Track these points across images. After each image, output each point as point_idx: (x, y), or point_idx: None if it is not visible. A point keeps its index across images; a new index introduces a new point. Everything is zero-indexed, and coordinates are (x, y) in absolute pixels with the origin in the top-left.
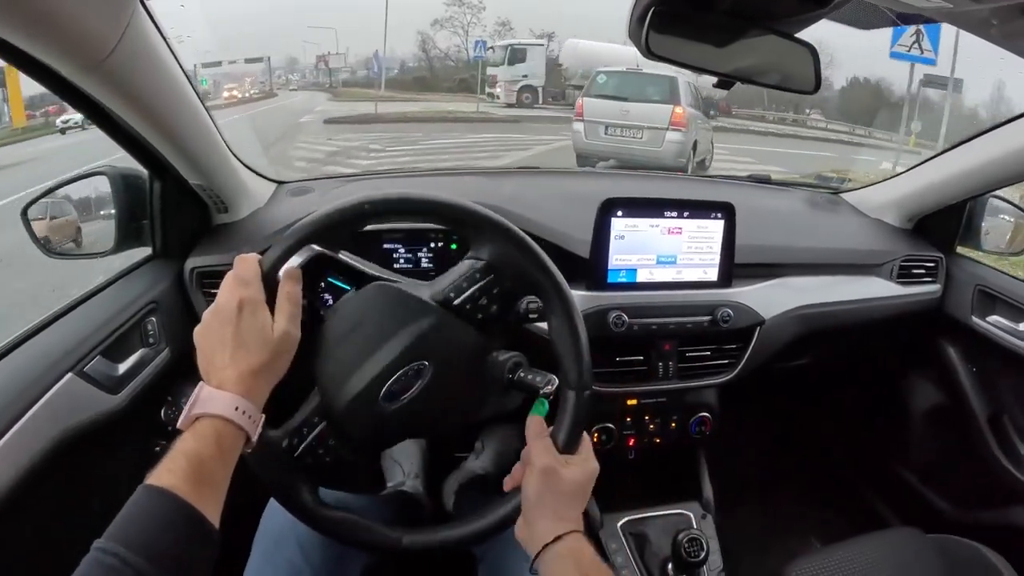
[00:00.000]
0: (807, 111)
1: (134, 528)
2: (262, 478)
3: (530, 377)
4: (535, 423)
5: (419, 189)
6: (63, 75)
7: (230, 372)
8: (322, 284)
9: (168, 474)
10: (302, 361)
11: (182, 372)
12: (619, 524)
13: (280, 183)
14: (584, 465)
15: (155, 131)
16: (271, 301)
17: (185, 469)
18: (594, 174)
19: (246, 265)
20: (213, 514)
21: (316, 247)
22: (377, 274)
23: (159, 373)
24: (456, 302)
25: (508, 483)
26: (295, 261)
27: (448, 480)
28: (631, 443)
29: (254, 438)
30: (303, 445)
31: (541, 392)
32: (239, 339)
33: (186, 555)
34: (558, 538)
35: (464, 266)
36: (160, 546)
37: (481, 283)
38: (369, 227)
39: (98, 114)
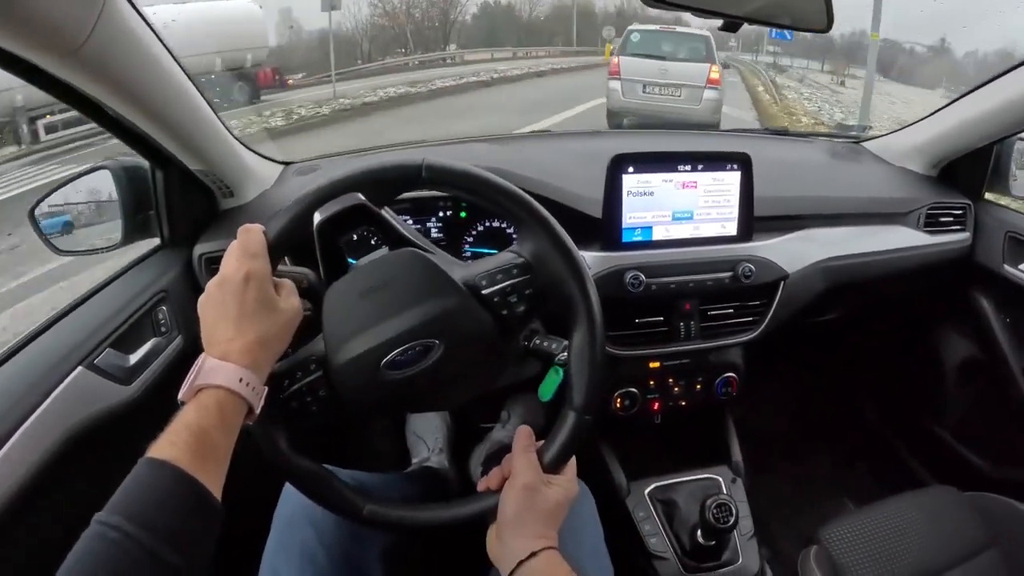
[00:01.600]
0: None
1: (136, 501)
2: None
3: (546, 344)
4: (523, 434)
5: (441, 159)
6: (41, 67)
7: (235, 344)
8: (354, 236)
9: (170, 446)
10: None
11: (195, 360)
12: (646, 491)
13: (287, 164)
14: (567, 487)
15: (146, 119)
16: (274, 268)
17: (188, 441)
18: (606, 134)
19: (251, 236)
20: (215, 487)
21: (361, 196)
22: (413, 239)
23: (172, 361)
24: (485, 292)
25: (482, 484)
26: (333, 208)
27: (475, 452)
28: (655, 407)
29: (257, 410)
30: (293, 387)
31: (556, 360)
32: (244, 311)
33: (189, 528)
34: (533, 554)
35: (504, 257)
36: (163, 519)
37: (515, 280)
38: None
39: (88, 106)
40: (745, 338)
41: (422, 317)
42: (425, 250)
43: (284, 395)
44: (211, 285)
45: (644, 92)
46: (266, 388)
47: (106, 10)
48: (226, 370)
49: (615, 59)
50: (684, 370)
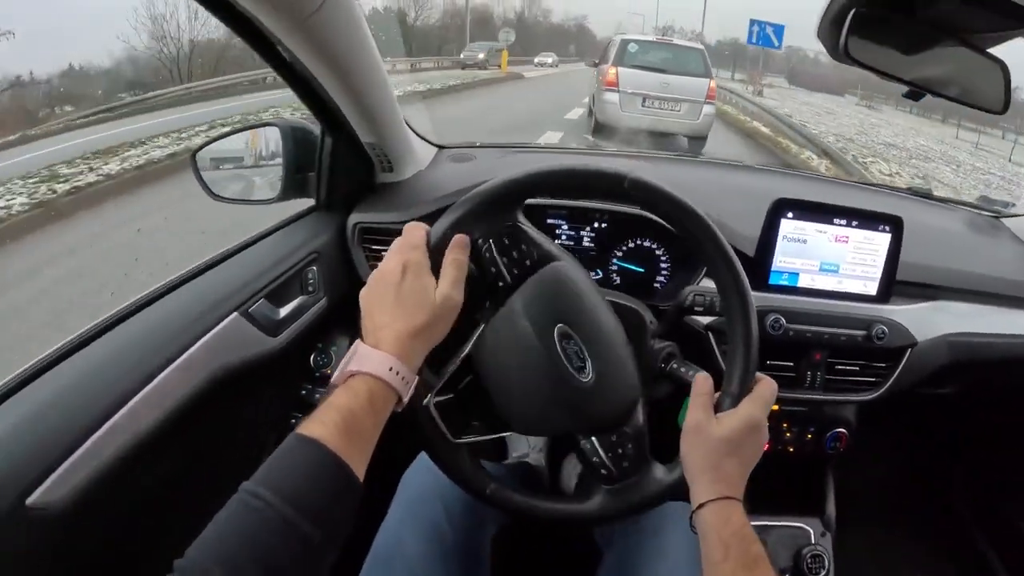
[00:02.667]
0: None
1: (282, 475)
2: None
3: (683, 370)
4: (699, 381)
5: (646, 175)
6: (265, 30)
7: (387, 332)
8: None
9: (319, 425)
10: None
11: (335, 322)
12: None
13: (441, 147)
14: (732, 418)
15: (342, 88)
16: (437, 269)
17: (336, 422)
18: (756, 170)
19: (414, 232)
20: (359, 468)
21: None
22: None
23: (314, 321)
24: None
25: None
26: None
27: (567, 460)
28: (764, 448)
29: (405, 399)
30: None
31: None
32: (399, 300)
33: (331, 505)
34: (710, 501)
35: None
36: (306, 494)
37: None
38: (539, 202)
39: (287, 70)
40: (864, 397)
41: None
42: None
43: (485, 254)
44: (372, 277)
45: (644, 106)
46: (417, 378)
47: None
48: (377, 358)
49: (611, 70)
50: (799, 418)
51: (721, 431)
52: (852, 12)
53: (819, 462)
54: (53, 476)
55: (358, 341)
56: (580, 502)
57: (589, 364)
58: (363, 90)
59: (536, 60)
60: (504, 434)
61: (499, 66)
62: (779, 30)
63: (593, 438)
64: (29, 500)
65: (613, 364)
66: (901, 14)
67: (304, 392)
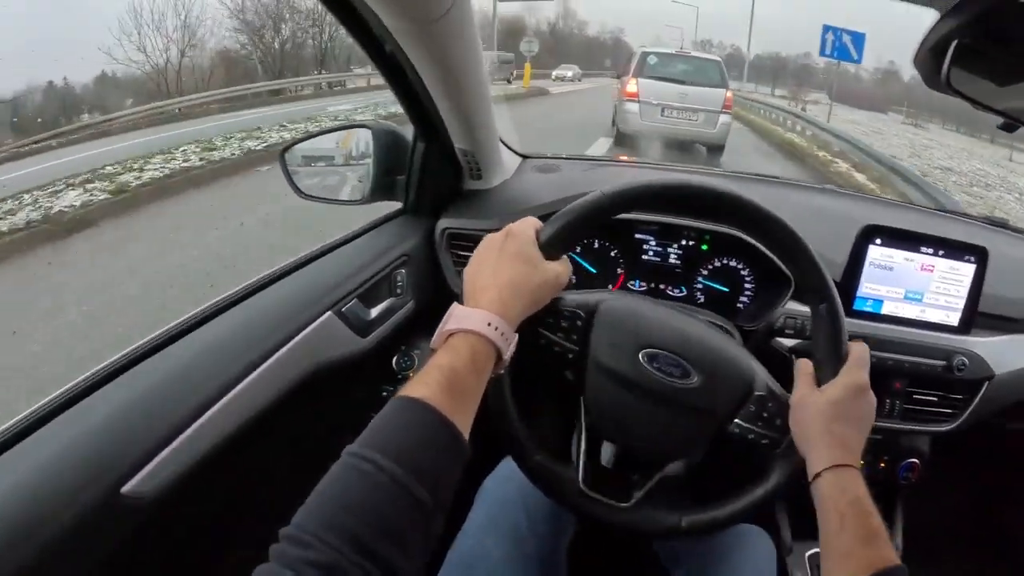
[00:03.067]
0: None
1: (389, 436)
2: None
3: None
4: (802, 363)
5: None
6: (377, 31)
7: (487, 292)
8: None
9: (423, 386)
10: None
11: (420, 325)
12: (807, 554)
13: (525, 157)
14: (835, 386)
15: (447, 95)
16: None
17: (440, 381)
18: (839, 194)
19: (527, 220)
20: (464, 428)
21: None
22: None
23: (401, 323)
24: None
25: None
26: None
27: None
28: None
29: (506, 356)
30: (549, 336)
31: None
32: (500, 260)
33: (438, 465)
34: (825, 470)
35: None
36: (414, 454)
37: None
38: (631, 216)
39: (390, 71)
40: (940, 428)
41: (705, 348)
42: None
43: (540, 342)
44: (477, 249)
45: (663, 115)
46: (516, 335)
47: None
48: (475, 315)
49: (632, 81)
50: (874, 446)
51: (827, 397)
52: (955, 43)
53: (890, 493)
54: (148, 466)
55: (455, 303)
56: (759, 484)
57: (689, 367)
58: (467, 99)
59: (554, 74)
60: (661, 474)
61: (513, 79)
62: (859, 39)
63: (736, 420)
64: (124, 488)
65: (713, 351)
66: (1001, 45)
67: (385, 394)
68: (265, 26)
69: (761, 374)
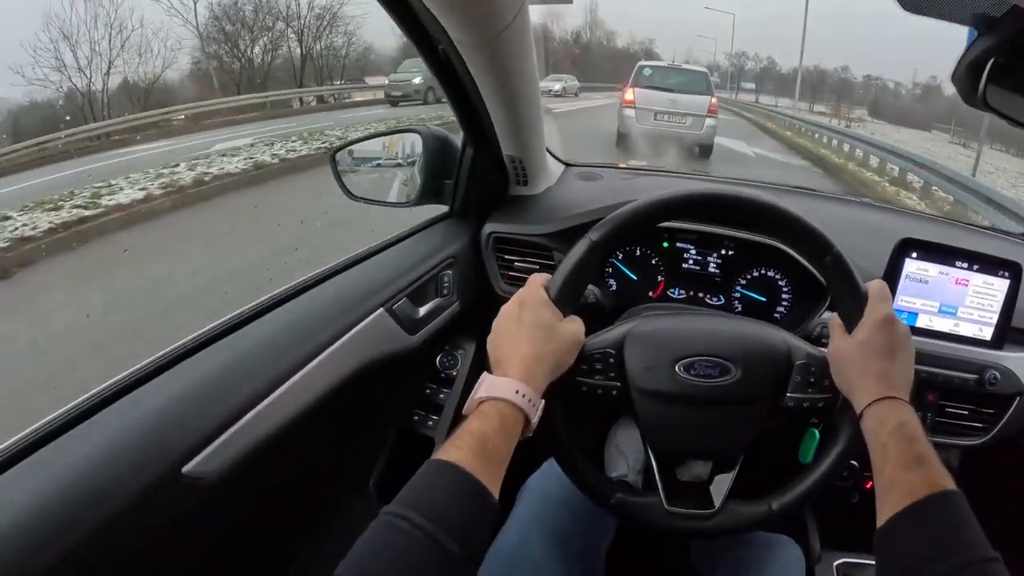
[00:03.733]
0: None
1: (424, 496)
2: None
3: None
4: (833, 320)
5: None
6: (442, 40)
7: (512, 360)
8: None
9: (456, 450)
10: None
11: (464, 326)
12: (835, 563)
13: (568, 165)
14: (862, 326)
15: (502, 105)
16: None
17: (472, 445)
18: (880, 208)
19: (534, 280)
20: (494, 489)
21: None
22: None
23: (447, 323)
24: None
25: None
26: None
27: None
28: (867, 486)
29: (534, 421)
30: (586, 376)
31: (809, 420)
32: (521, 329)
33: (471, 523)
34: (867, 407)
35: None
36: (448, 513)
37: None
38: (668, 225)
39: (451, 83)
40: (971, 442)
41: (735, 340)
42: None
43: (583, 389)
44: (495, 323)
45: (655, 119)
46: (543, 402)
47: (523, 9)
48: (504, 383)
49: (629, 91)
50: None
51: (857, 339)
52: (992, 61)
53: None
54: (208, 448)
55: (485, 372)
56: (833, 446)
57: (726, 363)
58: (517, 108)
59: (542, 84)
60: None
61: None
62: None
63: (788, 393)
64: (185, 468)
65: (742, 339)
66: None
67: (428, 392)
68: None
69: (795, 343)
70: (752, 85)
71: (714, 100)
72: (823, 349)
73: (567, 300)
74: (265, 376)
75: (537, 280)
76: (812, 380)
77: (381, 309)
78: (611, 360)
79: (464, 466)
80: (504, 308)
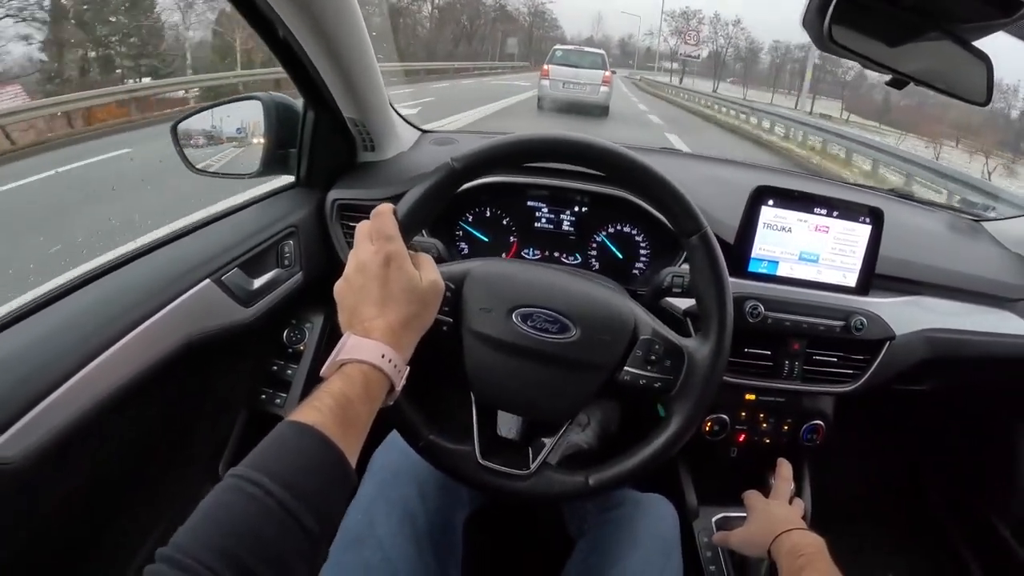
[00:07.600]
0: None
1: (278, 461)
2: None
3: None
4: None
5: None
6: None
7: (378, 323)
8: (487, 213)
9: (315, 412)
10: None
11: (310, 299)
12: (714, 519)
13: (424, 132)
14: (759, 513)
15: (328, 61)
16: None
17: (332, 407)
18: (742, 165)
19: (384, 219)
20: (352, 458)
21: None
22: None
23: (289, 295)
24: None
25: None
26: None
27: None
28: (740, 439)
29: (398, 388)
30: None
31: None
32: (387, 294)
33: (327, 494)
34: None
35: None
36: (304, 481)
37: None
38: (518, 180)
39: (277, 43)
40: (841, 389)
41: (581, 300)
42: None
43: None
44: (349, 271)
45: (563, 87)
46: (408, 368)
47: None
48: (369, 346)
49: (546, 67)
50: (776, 409)
51: (761, 519)
52: (835, 1)
53: (796, 456)
54: (11, 429)
55: (347, 333)
56: (661, 432)
57: (567, 321)
58: (350, 67)
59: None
60: (559, 436)
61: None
62: None
63: (625, 367)
64: None
65: (590, 301)
66: (884, 2)
67: (275, 368)
68: None
69: (645, 317)
70: (674, 65)
71: (607, 74)
72: (675, 334)
73: (416, 222)
74: (79, 351)
75: (386, 210)
76: (653, 358)
77: (208, 280)
78: (448, 294)
79: (324, 431)
80: (364, 263)
